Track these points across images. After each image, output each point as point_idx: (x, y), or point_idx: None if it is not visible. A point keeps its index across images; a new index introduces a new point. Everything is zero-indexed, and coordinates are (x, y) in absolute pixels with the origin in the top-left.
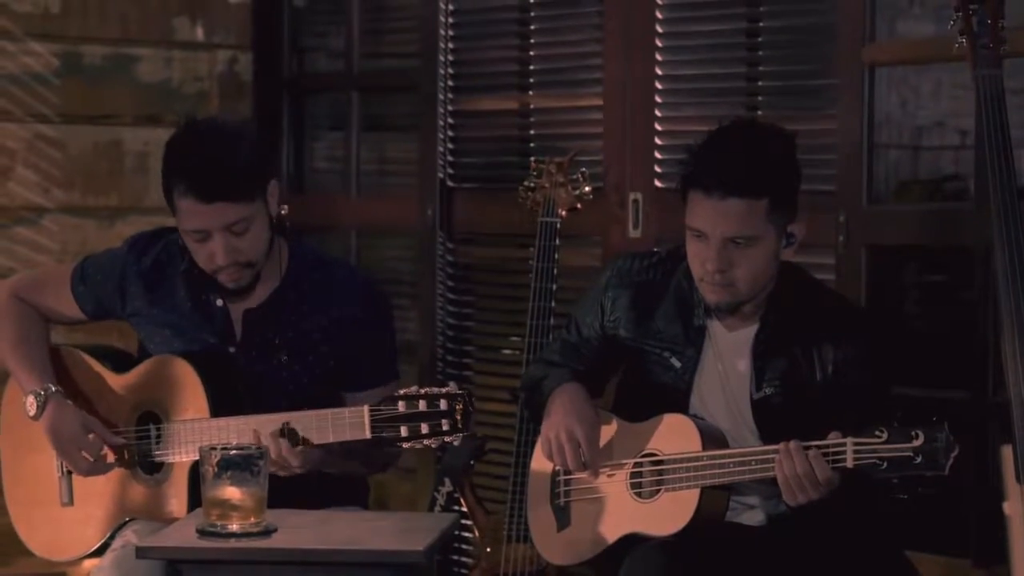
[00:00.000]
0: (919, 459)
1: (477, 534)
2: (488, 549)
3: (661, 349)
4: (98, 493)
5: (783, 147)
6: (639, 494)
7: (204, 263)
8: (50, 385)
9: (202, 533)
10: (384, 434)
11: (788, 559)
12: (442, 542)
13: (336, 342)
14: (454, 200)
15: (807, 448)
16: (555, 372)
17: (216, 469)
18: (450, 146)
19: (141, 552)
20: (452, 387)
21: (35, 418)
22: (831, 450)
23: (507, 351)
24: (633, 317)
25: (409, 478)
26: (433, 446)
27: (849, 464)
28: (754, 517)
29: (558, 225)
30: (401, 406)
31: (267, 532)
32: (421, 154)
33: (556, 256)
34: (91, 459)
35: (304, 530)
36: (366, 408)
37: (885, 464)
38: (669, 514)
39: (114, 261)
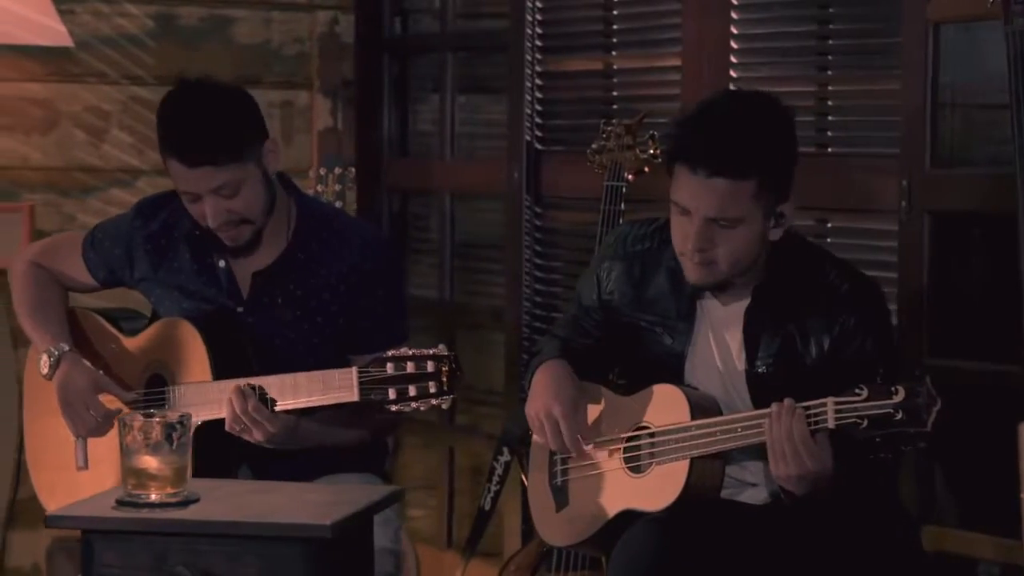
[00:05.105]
0: (900, 415)
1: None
2: None
3: (653, 323)
4: (111, 457)
5: (777, 124)
6: (633, 469)
7: (200, 222)
8: (63, 344)
9: (119, 503)
10: (372, 396)
11: (790, 539)
12: (364, 516)
13: (346, 298)
14: (541, 163)
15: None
16: (546, 347)
17: (133, 437)
18: (538, 108)
19: (51, 521)
20: (440, 348)
21: (48, 377)
22: (813, 411)
23: None
24: (627, 290)
25: (489, 444)
26: (421, 409)
27: (831, 424)
28: (757, 496)
29: (624, 189)
30: (389, 368)
31: (185, 503)
32: (509, 116)
33: (621, 221)
34: (97, 418)
35: (226, 501)
36: (355, 370)
37: (866, 422)
38: (660, 488)
39: (121, 227)
